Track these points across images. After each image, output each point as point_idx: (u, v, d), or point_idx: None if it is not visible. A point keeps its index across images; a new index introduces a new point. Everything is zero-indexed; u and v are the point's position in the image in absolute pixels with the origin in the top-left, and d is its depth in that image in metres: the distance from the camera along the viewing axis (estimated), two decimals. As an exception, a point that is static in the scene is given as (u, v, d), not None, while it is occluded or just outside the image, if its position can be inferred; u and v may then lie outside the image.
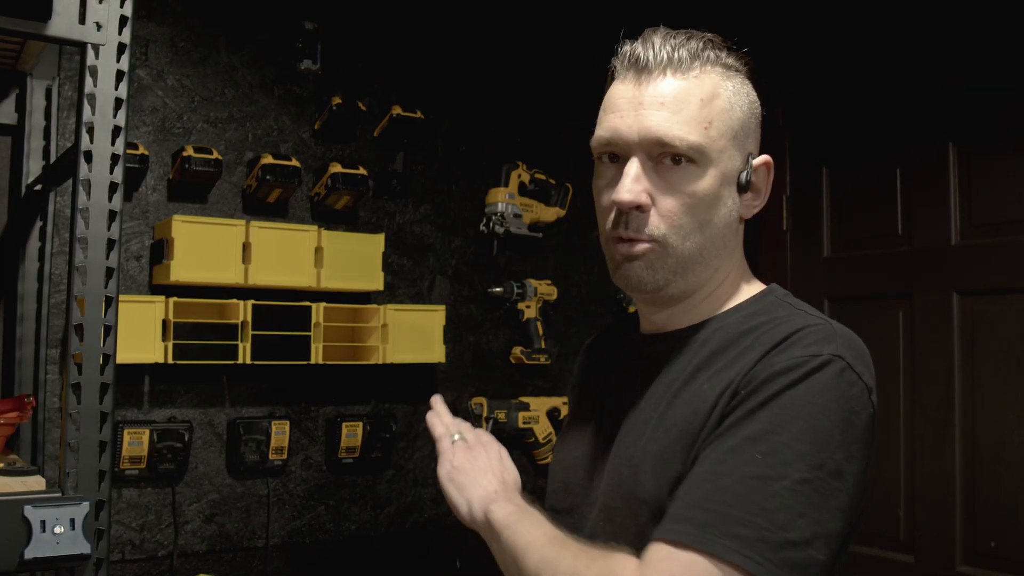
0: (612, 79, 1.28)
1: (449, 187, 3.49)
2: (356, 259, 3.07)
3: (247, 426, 3.00)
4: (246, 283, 2.88)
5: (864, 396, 1.13)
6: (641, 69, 1.23)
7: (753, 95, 1.29)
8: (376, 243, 3.12)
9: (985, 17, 3.02)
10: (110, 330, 1.56)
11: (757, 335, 1.20)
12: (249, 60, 3.13)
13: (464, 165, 3.52)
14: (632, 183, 1.20)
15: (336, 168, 3.09)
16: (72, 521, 1.50)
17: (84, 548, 1.50)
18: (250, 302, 2.88)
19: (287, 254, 2.94)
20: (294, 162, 3.01)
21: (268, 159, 2.98)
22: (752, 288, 1.34)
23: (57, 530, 1.48)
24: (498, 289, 3.51)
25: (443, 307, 3.27)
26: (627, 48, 1.26)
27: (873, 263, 3.34)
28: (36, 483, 1.74)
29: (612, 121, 1.23)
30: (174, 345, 2.77)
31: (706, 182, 1.21)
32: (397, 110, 3.25)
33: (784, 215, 3.64)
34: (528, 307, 3.53)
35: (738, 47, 1.29)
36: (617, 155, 1.25)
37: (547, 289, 3.57)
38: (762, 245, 3.70)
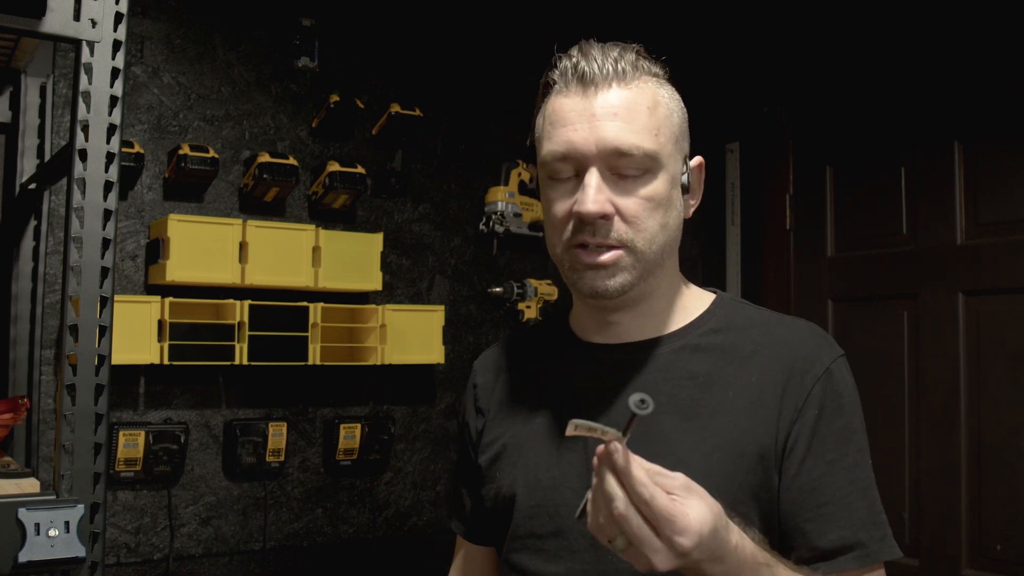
0: (548, 93, 1.32)
1: (448, 186, 3.47)
2: (354, 259, 3.05)
3: (244, 428, 2.98)
4: (243, 283, 2.87)
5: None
6: (588, 82, 1.25)
7: (680, 99, 1.34)
8: (374, 243, 3.10)
9: (991, 15, 3.01)
10: (105, 331, 1.54)
11: (754, 340, 1.32)
12: (246, 57, 3.11)
13: (463, 163, 3.50)
14: (596, 193, 1.23)
15: (334, 167, 3.07)
16: (67, 524, 1.48)
17: (79, 551, 1.49)
18: (247, 302, 2.87)
19: (284, 254, 2.92)
20: (291, 160, 2.99)
21: (265, 157, 2.96)
22: (697, 292, 1.41)
23: (51, 533, 1.47)
24: (498, 289, 3.49)
25: (442, 307, 3.25)
26: (567, 63, 1.29)
27: (877, 263, 3.32)
28: (30, 485, 1.74)
29: (566, 134, 1.25)
30: (170, 346, 2.75)
31: (660, 186, 1.26)
32: (395, 108, 3.23)
33: (788, 214, 3.62)
34: (528, 307, 3.51)
35: (655, 54, 1.34)
36: (575, 168, 1.27)
37: (548, 289, 3.55)
38: (765, 244, 3.69)
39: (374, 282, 3.10)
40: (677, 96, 1.33)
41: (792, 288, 3.60)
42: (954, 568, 3.00)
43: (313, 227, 2.98)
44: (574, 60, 1.27)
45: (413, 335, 3.16)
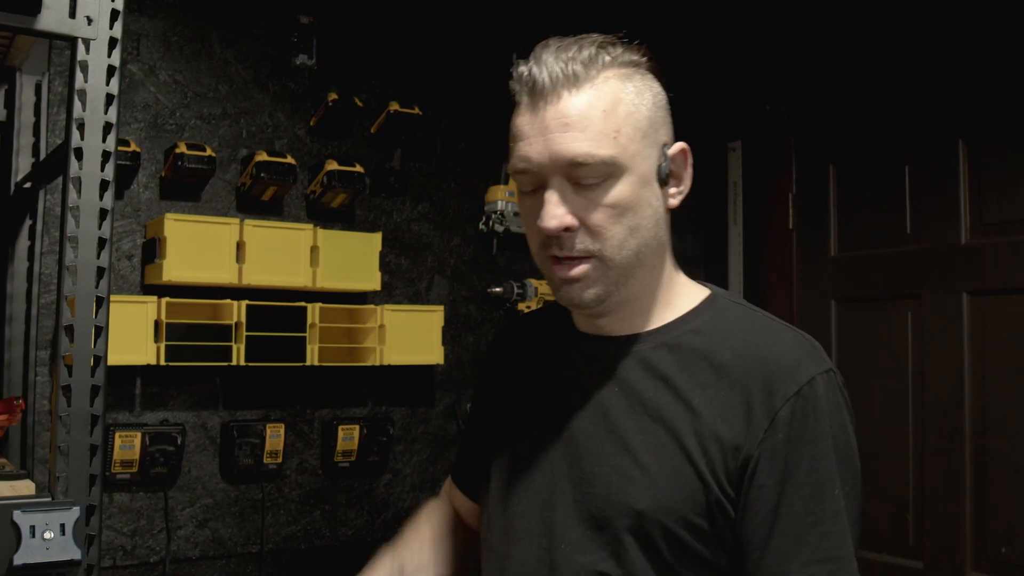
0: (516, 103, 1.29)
1: (448, 185, 3.45)
2: (353, 258, 3.04)
3: (241, 429, 2.96)
4: (240, 283, 2.85)
5: (844, 390, 1.25)
6: (539, 93, 1.21)
7: (656, 86, 1.27)
8: (373, 242, 3.09)
9: (995, 13, 2.99)
10: (101, 331, 1.53)
11: (732, 349, 1.24)
12: (243, 55, 3.09)
13: (463, 162, 3.48)
14: (554, 208, 1.21)
15: (332, 165, 3.06)
16: (62, 526, 1.47)
17: (75, 554, 1.47)
18: (244, 302, 2.85)
19: (282, 253, 2.91)
20: (289, 159, 2.98)
21: (262, 156, 2.94)
22: (689, 288, 1.35)
23: (47, 535, 1.46)
24: (498, 289, 3.47)
25: (441, 307, 3.23)
26: (522, 70, 1.24)
27: (881, 263, 3.30)
28: (25, 487, 1.73)
29: (522, 150, 1.23)
30: (166, 346, 2.74)
31: (626, 190, 1.21)
32: (394, 106, 3.21)
33: (790, 214, 3.61)
34: (529, 307, 3.49)
35: (631, 39, 1.27)
36: (535, 182, 1.25)
37: (548, 289, 3.53)
38: (767, 244, 3.67)
39: (373, 282, 3.09)
40: (651, 84, 1.27)
41: (795, 288, 3.58)
42: (958, 571, 2.98)
43: (311, 226, 2.97)
44: (526, 69, 1.23)
45: (412, 336, 3.15)
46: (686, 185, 1.30)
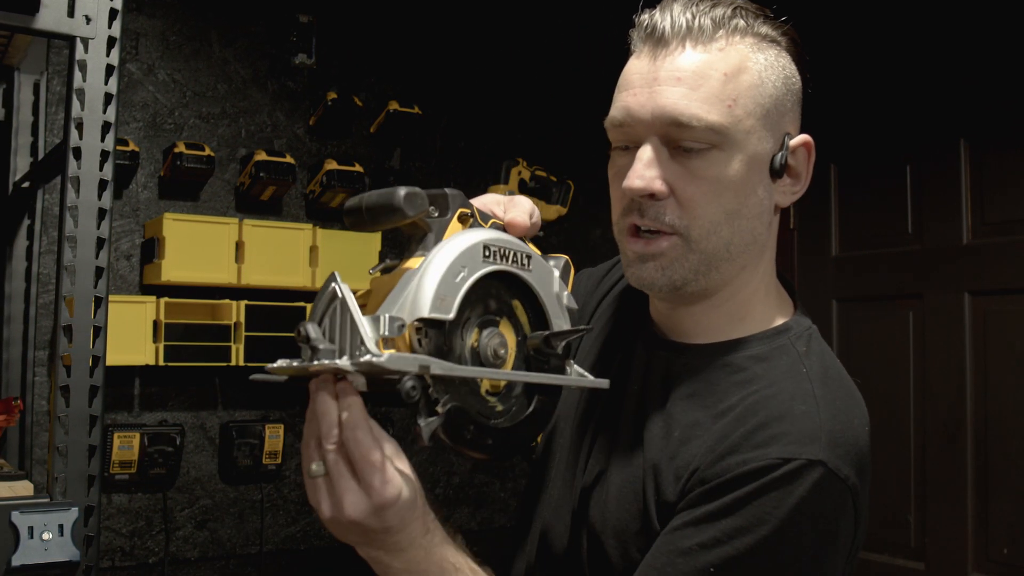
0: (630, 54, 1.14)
1: (447, 184, 3.43)
2: (352, 258, 3.03)
3: (240, 430, 2.95)
4: (239, 283, 2.85)
5: (844, 504, 1.02)
6: (657, 41, 1.08)
7: (791, 69, 1.14)
8: (373, 242, 3.08)
9: (996, 12, 2.99)
10: (100, 331, 1.53)
11: (742, 398, 1.08)
12: (242, 54, 3.08)
13: (463, 162, 3.48)
14: (644, 168, 1.06)
15: (331, 165, 3.05)
16: (60, 527, 1.48)
17: (73, 555, 1.48)
18: (243, 302, 2.85)
19: (281, 253, 2.91)
20: (288, 159, 2.97)
21: (261, 156, 2.94)
22: (772, 305, 1.20)
23: (45, 536, 1.47)
24: (497, 289, 3.46)
25: (441, 307, 3.22)
26: (644, 17, 1.10)
27: (882, 262, 3.30)
28: (23, 488, 1.72)
29: (624, 99, 1.09)
30: (165, 347, 2.74)
31: (732, 168, 1.07)
32: (394, 105, 3.21)
33: (791, 213, 3.60)
34: (528, 308, 3.48)
35: (776, 15, 1.16)
36: (631, 139, 1.10)
37: (547, 289, 3.52)
38: (767, 244, 3.67)
39: (372, 282, 3.08)
40: (785, 64, 1.14)
41: (796, 288, 3.57)
42: (960, 572, 2.98)
43: (310, 226, 2.97)
44: (648, 16, 1.10)
45: (412, 336, 3.14)
46: (803, 185, 1.15)
